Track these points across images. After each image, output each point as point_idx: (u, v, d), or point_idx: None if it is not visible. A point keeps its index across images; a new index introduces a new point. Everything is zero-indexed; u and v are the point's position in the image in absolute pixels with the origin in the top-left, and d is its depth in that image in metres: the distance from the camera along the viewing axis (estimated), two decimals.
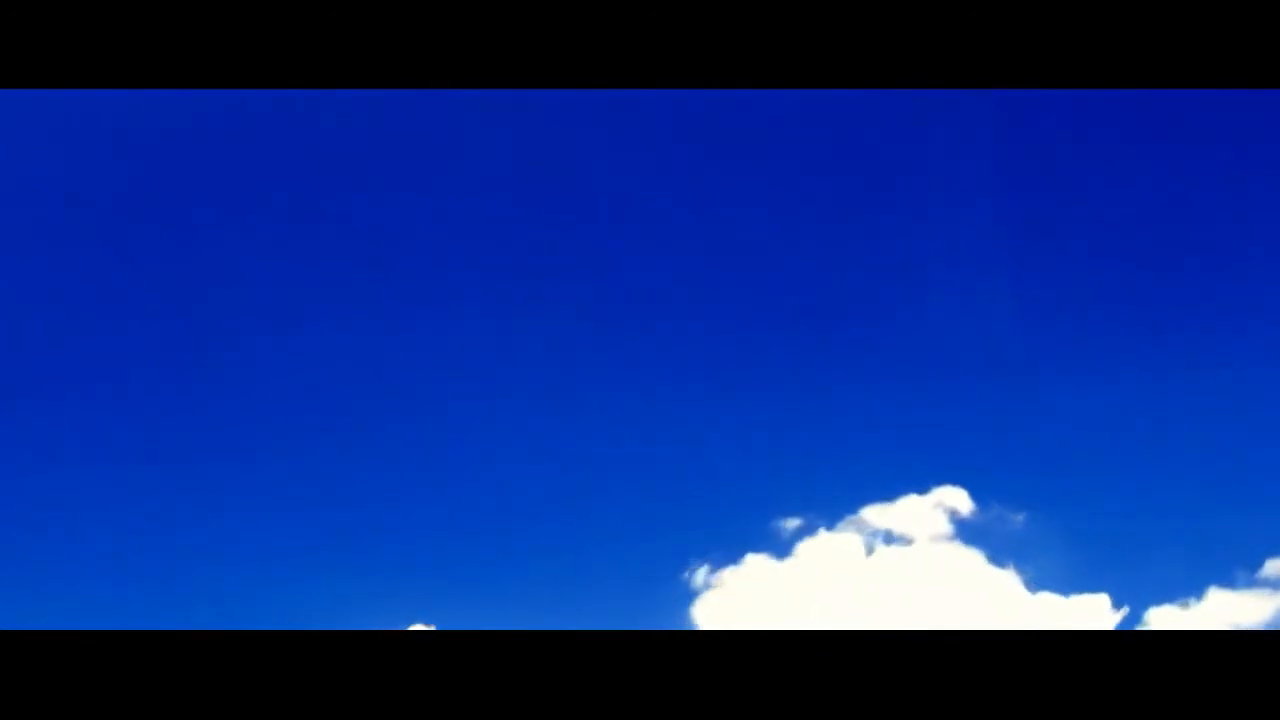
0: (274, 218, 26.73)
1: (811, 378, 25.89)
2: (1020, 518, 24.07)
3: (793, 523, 24.12)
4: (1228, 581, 22.63)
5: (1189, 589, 22.72)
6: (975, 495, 24.07)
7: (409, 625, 20.94)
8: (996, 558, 23.58)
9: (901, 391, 25.59)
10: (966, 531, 23.85)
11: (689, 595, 23.54)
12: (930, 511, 24.02)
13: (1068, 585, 22.93)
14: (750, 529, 24.05)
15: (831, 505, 24.27)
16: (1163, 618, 22.35)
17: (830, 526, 24.06)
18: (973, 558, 23.56)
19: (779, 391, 25.67)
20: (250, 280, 26.34)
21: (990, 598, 22.96)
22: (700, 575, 23.58)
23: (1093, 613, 22.38)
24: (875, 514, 24.06)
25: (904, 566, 23.49)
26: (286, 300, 26.30)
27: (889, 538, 23.86)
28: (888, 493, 24.22)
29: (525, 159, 26.77)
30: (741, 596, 23.15)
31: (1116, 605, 22.52)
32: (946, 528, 23.88)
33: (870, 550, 23.72)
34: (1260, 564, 22.62)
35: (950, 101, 24.97)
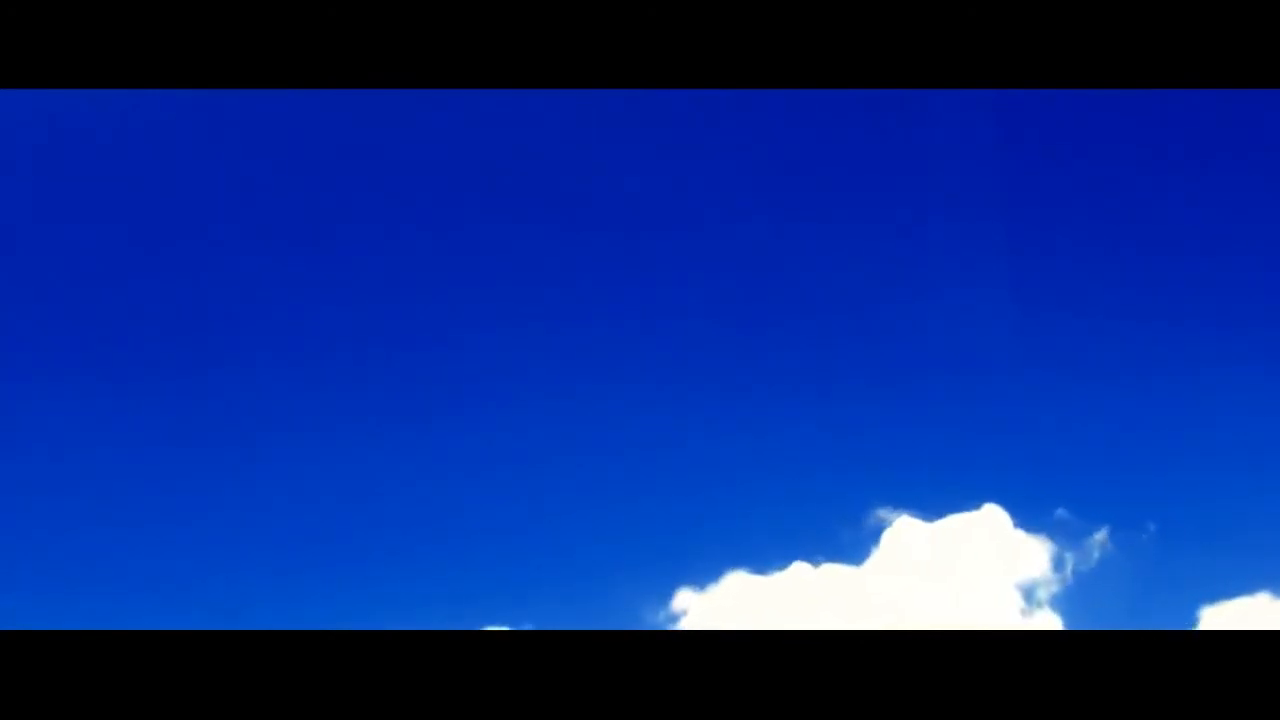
0: (277, 217, 26.77)
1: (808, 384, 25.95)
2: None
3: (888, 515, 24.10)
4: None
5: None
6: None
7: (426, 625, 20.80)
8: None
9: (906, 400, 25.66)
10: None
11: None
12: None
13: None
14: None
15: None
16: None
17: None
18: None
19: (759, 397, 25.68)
20: (251, 280, 26.40)
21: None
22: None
23: None
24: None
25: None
26: (288, 300, 26.36)
27: None
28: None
29: (528, 159, 26.81)
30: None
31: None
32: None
33: None
34: None
35: (950, 101, 24.99)
